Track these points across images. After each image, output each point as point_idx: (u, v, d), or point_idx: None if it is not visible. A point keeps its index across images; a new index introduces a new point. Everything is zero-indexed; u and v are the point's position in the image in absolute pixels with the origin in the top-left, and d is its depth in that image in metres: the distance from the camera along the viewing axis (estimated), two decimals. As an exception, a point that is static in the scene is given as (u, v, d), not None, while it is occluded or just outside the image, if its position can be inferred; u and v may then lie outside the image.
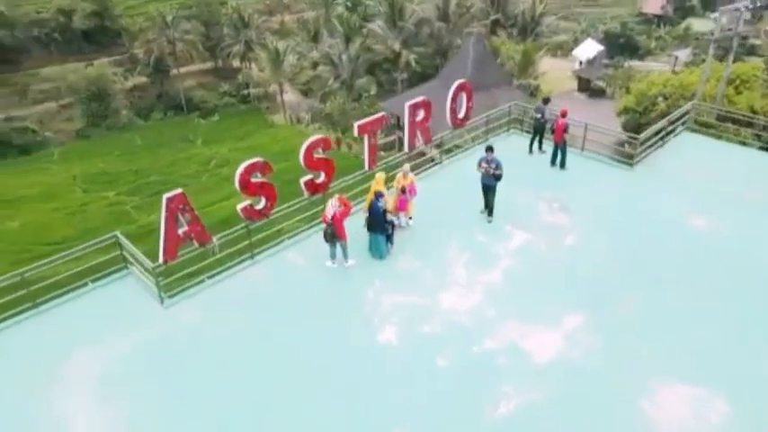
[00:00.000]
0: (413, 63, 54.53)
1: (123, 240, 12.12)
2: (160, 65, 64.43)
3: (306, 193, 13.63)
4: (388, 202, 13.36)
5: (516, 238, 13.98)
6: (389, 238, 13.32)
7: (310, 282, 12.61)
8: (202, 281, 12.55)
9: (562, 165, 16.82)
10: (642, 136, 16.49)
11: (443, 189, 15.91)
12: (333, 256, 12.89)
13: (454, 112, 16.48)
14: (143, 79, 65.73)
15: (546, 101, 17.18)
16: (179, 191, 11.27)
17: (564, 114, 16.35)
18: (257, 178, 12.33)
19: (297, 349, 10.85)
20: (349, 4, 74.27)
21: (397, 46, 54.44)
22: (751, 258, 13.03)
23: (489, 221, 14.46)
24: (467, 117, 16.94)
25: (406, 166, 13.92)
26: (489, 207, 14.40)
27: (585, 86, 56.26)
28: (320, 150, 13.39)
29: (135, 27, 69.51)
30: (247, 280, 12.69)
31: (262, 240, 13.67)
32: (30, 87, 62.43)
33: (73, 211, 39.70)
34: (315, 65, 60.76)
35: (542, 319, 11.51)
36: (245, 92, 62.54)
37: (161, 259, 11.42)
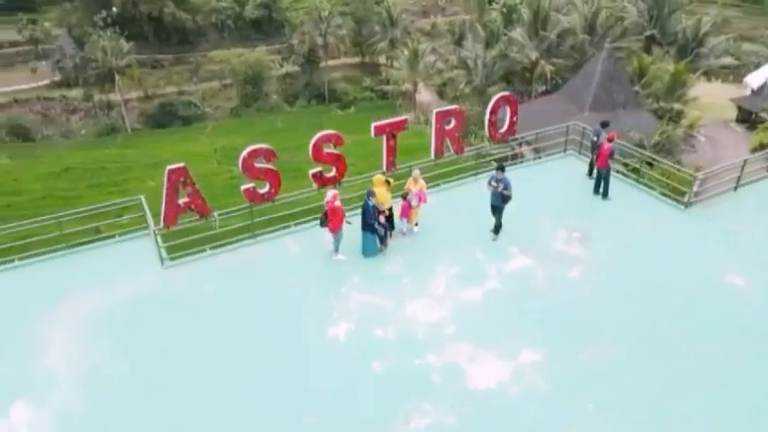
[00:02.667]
0: (548, 74, 52.42)
1: (144, 204, 13.75)
2: (311, 56, 69.09)
3: (314, 185, 14.25)
4: (384, 201, 13.46)
5: (515, 262, 13.35)
6: (382, 240, 13.49)
7: (295, 269, 13.25)
8: (204, 250, 13.82)
9: (605, 194, 15.54)
10: (701, 174, 14.66)
11: (464, 201, 15.58)
12: (336, 250, 13.37)
13: (494, 125, 15.99)
14: (295, 68, 70.94)
15: (604, 124, 15.93)
16: (181, 164, 12.55)
17: (611, 139, 15.09)
18: (261, 163, 13.23)
19: (254, 325, 11.58)
20: (504, 10, 73.39)
21: (534, 56, 52.70)
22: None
23: (494, 239, 13.95)
24: (510, 132, 16.34)
25: (416, 171, 13.91)
26: (496, 226, 13.90)
27: (746, 117, 49.86)
28: (332, 145, 13.92)
29: (297, 20, 75.15)
30: (242, 257, 13.69)
31: (270, 222, 14.67)
32: (201, 67, 70.67)
33: (201, 178, 44.30)
34: (452, 68, 61.06)
35: (498, 348, 10.99)
36: (383, 88, 64.71)
37: (161, 224, 12.81)
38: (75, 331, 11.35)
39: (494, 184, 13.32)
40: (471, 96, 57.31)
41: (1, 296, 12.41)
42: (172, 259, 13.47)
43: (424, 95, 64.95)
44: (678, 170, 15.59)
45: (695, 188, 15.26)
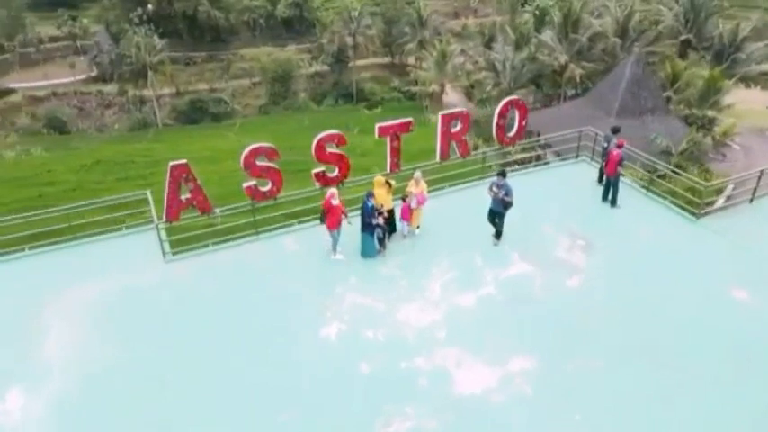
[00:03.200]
0: (578, 78, 51.59)
1: (150, 199, 14.05)
2: (340, 55, 69.38)
3: (316, 185, 14.34)
4: (383, 203, 13.47)
5: (514, 268, 13.20)
6: (381, 241, 13.50)
7: (294, 267, 13.38)
8: (207, 245, 14.05)
9: (613, 202, 15.23)
10: (711, 184, 14.24)
11: (468, 205, 15.44)
12: (334, 248, 13.46)
13: (502, 129, 15.83)
14: (324, 67, 71.35)
15: (615, 130, 15.59)
16: (183, 161, 12.79)
17: (621, 146, 14.77)
18: (263, 161, 13.38)
19: (248, 321, 11.74)
20: (537, 12, 72.52)
21: (563, 59, 51.93)
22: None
23: (496, 245, 13.81)
24: (518, 136, 16.15)
25: (418, 173, 13.88)
26: (497, 231, 13.75)
27: (784, 126, 48.13)
28: (335, 145, 13.99)
29: (328, 19, 75.60)
30: (243, 254, 13.88)
31: (276, 219, 14.83)
32: (232, 65, 71.69)
33: (226, 175, 45.02)
34: (480, 70, 60.61)
35: (488, 355, 10.90)
36: (411, 89, 64.62)
37: (164, 218, 13.08)
38: (73, 320, 11.67)
39: (495, 189, 13.18)
40: (499, 99, 56.69)
41: (8, 283, 12.83)
42: (174, 253, 13.73)
43: (452, 97, 64.60)
44: (691, 179, 15.11)
45: (717, 198, 14.81)
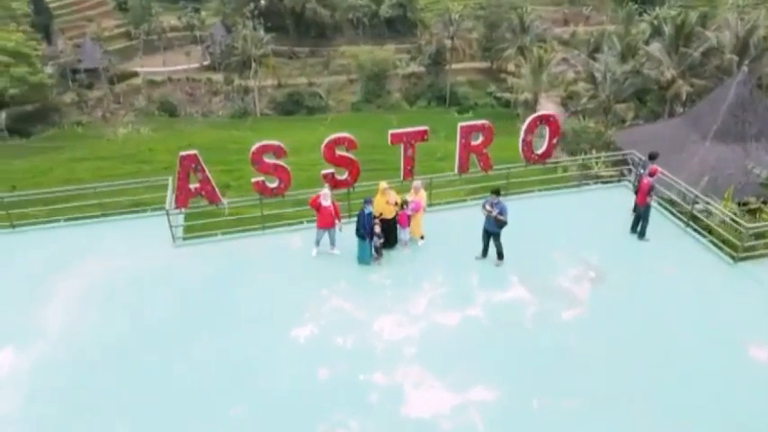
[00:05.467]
0: (683, 95, 47.71)
1: (169, 185, 14.83)
2: (438, 57, 69.27)
3: (325, 186, 14.38)
4: (383, 211, 13.28)
5: (509, 292, 12.49)
6: (377, 249, 13.32)
7: (289, 265, 13.52)
8: (216, 234, 14.61)
9: (641, 234, 13.94)
10: (753, 226, 12.60)
11: (481, 220, 14.77)
12: (317, 244, 13.55)
13: (529, 145, 15.01)
14: (421, 68, 71.52)
15: (652, 156, 14.28)
16: (193, 152, 13.37)
17: (652, 174, 13.49)
18: (271, 159, 13.65)
19: (229, 312, 11.99)
20: (655, 22, 67.92)
21: (669, 74, 48.21)
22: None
23: (498, 265, 13.14)
24: (547, 154, 15.22)
25: (417, 183, 13.60)
26: (498, 252, 13.07)
27: None
28: (345, 148, 13.98)
29: (431, 21, 75.62)
30: (247, 246, 14.25)
31: (289, 216, 15.20)
32: (332, 61, 73.87)
33: (306, 167, 46.49)
34: (578, 80, 57.84)
35: (451, 379, 10.41)
36: (504, 95, 63.07)
37: (174, 205, 13.75)
38: (74, 292, 12.55)
39: (488, 208, 12.52)
40: (596, 112, 53.95)
41: (32, 250, 14.03)
42: (184, 239, 14.40)
43: (548, 107, 62.22)
44: (733, 218, 13.45)
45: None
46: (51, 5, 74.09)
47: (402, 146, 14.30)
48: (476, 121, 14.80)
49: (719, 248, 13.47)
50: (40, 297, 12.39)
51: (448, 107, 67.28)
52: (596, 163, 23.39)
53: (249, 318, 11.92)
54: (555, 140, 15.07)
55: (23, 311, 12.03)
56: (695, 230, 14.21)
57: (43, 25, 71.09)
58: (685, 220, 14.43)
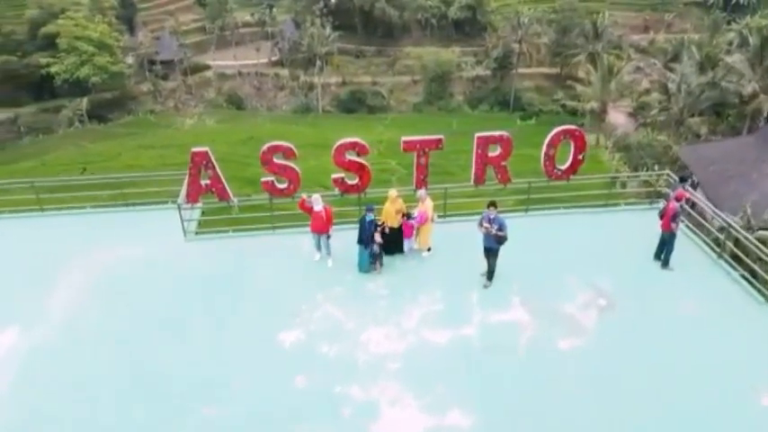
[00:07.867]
0: (765, 111, 44.31)
1: (185, 180, 15.11)
2: (504, 61, 67.70)
3: (336, 190, 14.27)
4: (388, 219, 12.99)
5: (508, 314, 11.89)
6: (377, 257, 13.04)
7: (289, 267, 13.48)
8: (227, 231, 14.79)
9: (665, 262, 12.90)
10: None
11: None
12: (317, 248, 13.46)
13: (551, 160, 14.24)
14: (486, 72, 70.20)
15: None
16: (205, 149, 13.56)
17: (678, 198, 12.44)
18: (280, 159, 13.64)
19: (223, 310, 12.11)
20: (744, 32, 63.44)
21: (750, 88, 44.87)
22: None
23: (486, 286, 12.49)
24: (572, 170, 14.39)
25: (422, 192, 13.23)
26: (490, 271, 12.43)
27: None
28: (356, 153, 13.77)
29: (500, 24, 74.06)
30: (255, 245, 14.35)
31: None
32: (397, 61, 73.81)
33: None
34: (650, 91, 54.91)
35: (429, 400, 10.03)
36: (568, 103, 60.84)
37: (185, 201, 14.01)
38: (78, 279, 13.00)
39: (486, 224, 11.89)
40: (667, 125, 51.06)
41: (52, 234, 14.67)
42: (196, 234, 14.66)
43: (616, 117, 59.54)
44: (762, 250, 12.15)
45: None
46: (136, -1, 78.34)
47: (415, 154, 13.92)
48: (494, 132, 14.16)
49: (752, 285, 12.27)
50: (43, 283, 12.88)
51: (511, 112, 65.65)
52: (657, 179, 21.67)
53: (240, 317, 11.96)
54: (581, 156, 14.21)
55: (28, 296, 12.54)
56: (727, 262, 13.01)
57: (127, 18, 75.19)
58: (718, 251, 13.25)
